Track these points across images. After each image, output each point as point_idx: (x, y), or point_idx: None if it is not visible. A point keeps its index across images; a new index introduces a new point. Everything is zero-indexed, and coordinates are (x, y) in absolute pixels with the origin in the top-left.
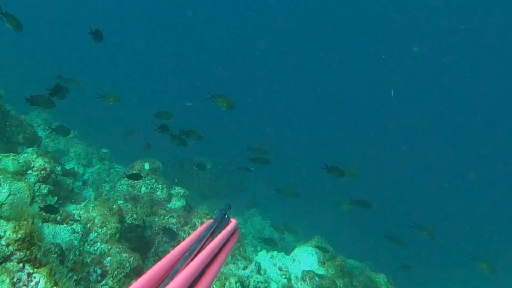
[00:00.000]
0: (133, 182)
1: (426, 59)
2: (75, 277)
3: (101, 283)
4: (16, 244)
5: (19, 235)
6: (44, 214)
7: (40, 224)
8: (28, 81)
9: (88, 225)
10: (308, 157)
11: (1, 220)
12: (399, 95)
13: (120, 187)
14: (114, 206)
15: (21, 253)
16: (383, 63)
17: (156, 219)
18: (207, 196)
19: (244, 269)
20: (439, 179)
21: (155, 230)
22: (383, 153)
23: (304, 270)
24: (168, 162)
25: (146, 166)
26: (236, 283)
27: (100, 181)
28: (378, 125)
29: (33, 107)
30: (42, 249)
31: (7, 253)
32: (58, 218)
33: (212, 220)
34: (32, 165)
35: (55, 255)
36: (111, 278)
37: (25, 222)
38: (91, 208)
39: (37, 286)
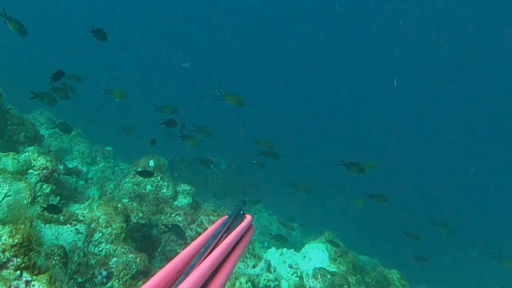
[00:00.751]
0: (138, 180)
1: (445, 51)
2: (79, 280)
3: (107, 286)
4: (12, 250)
5: (16, 240)
6: (46, 214)
7: (42, 225)
8: (30, 80)
9: (93, 225)
10: (316, 154)
11: None
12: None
13: (125, 185)
14: (119, 205)
15: (19, 260)
16: (396, 56)
17: (162, 218)
18: (221, 196)
19: (253, 267)
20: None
21: (161, 228)
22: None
23: (315, 267)
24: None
25: (151, 163)
26: (246, 283)
27: (105, 179)
28: (386, 119)
29: (35, 106)
30: (42, 254)
31: (3, 260)
32: (61, 218)
33: (227, 216)
34: (33, 164)
35: (58, 258)
36: (117, 280)
37: (22, 226)
38: (95, 207)
39: None
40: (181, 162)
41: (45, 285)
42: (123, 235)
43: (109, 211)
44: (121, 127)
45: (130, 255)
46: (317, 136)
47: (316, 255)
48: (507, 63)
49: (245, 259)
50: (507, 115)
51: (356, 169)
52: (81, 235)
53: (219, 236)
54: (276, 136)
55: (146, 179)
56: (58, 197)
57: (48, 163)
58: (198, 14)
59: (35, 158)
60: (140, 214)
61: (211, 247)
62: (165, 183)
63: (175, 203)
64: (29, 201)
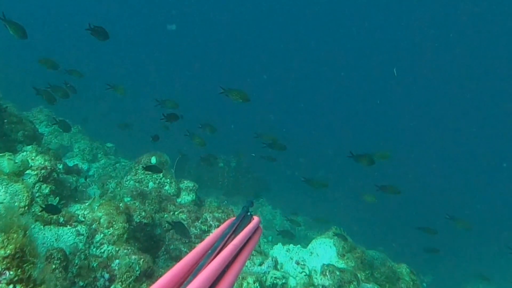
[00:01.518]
0: (140, 177)
1: (465, 39)
2: (81, 283)
3: None
4: (4, 262)
5: (8, 251)
6: (46, 215)
7: (41, 226)
8: (29, 77)
9: (94, 226)
10: (324, 148)
11: None
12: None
13: (127, 182)
14: (120, 204)
15: (11, 273)
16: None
17: (165, 215)
18: (232, 194)
19: (260, 264)
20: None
21: (165, 227)
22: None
23: (323, 264)
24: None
25: (153, 160)
26: (254, 283)
27: (106, 176)
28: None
29: (35, 104)
30: (38, 266)
31: None
32: (61, 219)
33: (234, 218)
34: (30, 164)
35: (58, 262)
36: (120, 283)
37: (15, 235)
38: (96, 207)
39: None
40: (191, 160)
41: None
42: (125, 236)
43: (111, 211)
44: (121, 123)
45: (133, 257)
46: (324, 130)
47: (323, 251)
48: None
49: (252, 257)
50: None
51: (365, 161)
52: (82, 236)
53: (227, 237)
54: (283, 131)
55: (148, 176)
56: (58, 197)
57: (46, 163)
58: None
59: (33, 157)
60: (143, 213)
61: (219, 248)
62: (168, 180)
63: (178, 200)
64: (27, 203)
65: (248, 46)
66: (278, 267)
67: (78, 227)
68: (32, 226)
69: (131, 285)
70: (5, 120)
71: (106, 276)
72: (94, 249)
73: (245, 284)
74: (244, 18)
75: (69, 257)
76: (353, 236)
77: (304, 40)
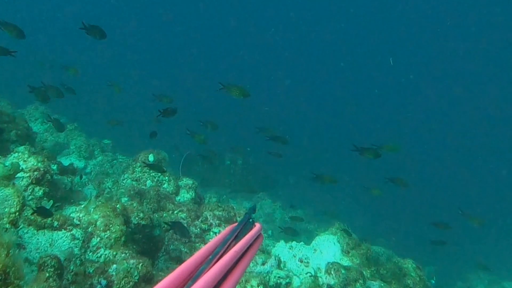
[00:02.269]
0: (137, 176)
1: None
2: None
3: None
4: None
5: None
6: (39, 220)
7: (35, 231)
8: (23, 74)
9: (90, 229)
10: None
11: None
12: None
13: (124, 181)
14: (118, 206)
15: None
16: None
17: (164, 215)
18: (238, 191)
19: (263, 264)
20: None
21: (164, 227)
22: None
23: (328, 262)
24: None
25: (151, 157)
26: (258, 286)
27: (103, 174)
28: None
29: (30, 101)
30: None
31: None
32: (56, 223)
33: (236, 224)
34: (21, 167)
35: (52, 269)
36: None
37: None
38: (92, 209)
39: None
40: (197, 158)
41: None
42: (123, 239)
43: (107, 213)
44: (111, 120)
45: (132, 261)
46: (329, 124)
47: (327, 247)
48: None
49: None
50: None
51: (371, 154)
52: (78, 241)
53: (228, 243)
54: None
55: (145, 174)
56: (52, 200)
57: (39, 164)
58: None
59: (25, 159)
60: (141, 215)
61: (220, 254)
62: (166, 177)
63: (177, 198)
64: (17, 209)
65: (247, 38)
66: (282, 265)
67: (73, 231)
68: (25, 231)
69: None
70: None
71: (103, 282)
72: (90, 254)
73: (248, 287)
74: (242, 11)
75: (63, 263)
76: (355, 228)
77: (305, 30)
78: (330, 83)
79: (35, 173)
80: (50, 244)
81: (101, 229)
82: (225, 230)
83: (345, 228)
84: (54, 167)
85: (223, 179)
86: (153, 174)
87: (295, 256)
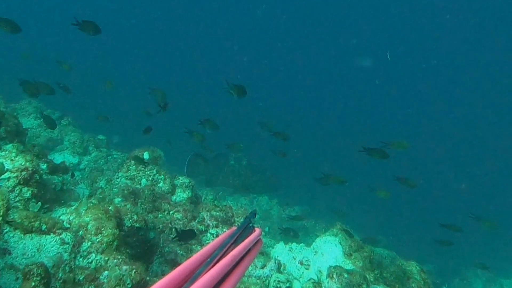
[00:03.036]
0: (132, 174)
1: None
2: None
3: None
4: None
5: None
6: (26, 223)
7: (22, 235)
8: (15, 68)
9: (81, 232)
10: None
11: None
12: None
13: (118, 180)
14: (110, 207)
15: None
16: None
17: (160, 215)
18: (242, 191)
19: (262, 267)
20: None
21: (159, 228)
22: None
23: (330, 266)
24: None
25: (146, 155)
26: None
27: (98, 171)
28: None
29: (23, 96)
30: None
31: None
32: (44, 227)
33: (235, 228)
34: (5, 168)
35: (38, 278)
36: None
37: None
38: (83, 211)
39: None
40: (201, 159)
41: None
42: (115, 243)
43: (99, 215)
44: (100, 116)
45: (124, 267)
46: (331, 124)
47: (328, 249)
48: None
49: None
50: None
51: (379, 155)
52: (67, 245)
53: (227, 247)
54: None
55: (140, 172)
56: (40, 202)
57: (28, 164)
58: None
59: (13, 158)
60: (135, 217)
61: (218, 257)
62: (162, 176)
63: (173, 198)
64: (1, 213)
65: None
66: (281, 269)
67: (63, 235)
68: (11, 235)
69: None
70: None
71: None
72: (81, 259)
73: None
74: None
75: (52, 270)
76: (356, 227)
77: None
78: (333, 81)
79: (23, 173)
80: (38, 249)
81: (93, 232)
82: (224, 234)
83: (347, 229)
84: (44, 166)
85: (227, 179)
86: (148, 172)
87: (295, 258)
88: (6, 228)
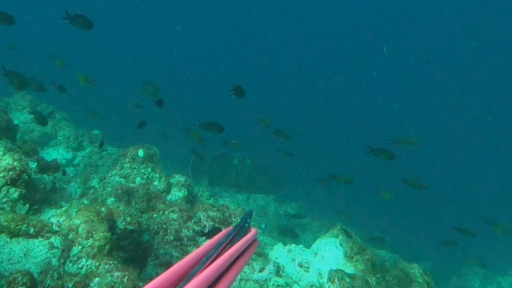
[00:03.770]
0: (126, 172)
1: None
2: None
3: None
4: None
5: None
6: (13, 226)
7: (8, 239)
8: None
9: (71, 236)
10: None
11: None
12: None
13: (111, 178)
14: (102, 209)
15: None
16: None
17: (154, 215)
18: (246, 190)
19: (260, 270)
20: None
21: (153, 229)
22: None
23: (331, 270)
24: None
25: (140, 153)
26: None
27: (92, 166)
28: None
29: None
30: None
31: None
32: (31, 230)
33: (231, 228)
34: None
35: (23, 287)
36: None
37: None
38: (74, 213)
39: None
40: (204, 158)
41: None
42: (107, 247)
43: (91, 217)
44: (89, 111)
45: (116, 273)
46: (335, 124)
47: (329, 251)
48: None
49: (251, 261)
50: None
51: (385, 156)
52: (56, 250)
53: (222, 246)
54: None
55: (135, 171)
56: (28, 204)
57: (15, 163)
58: None
59: (0, 156)
60: (128, 219)
61: (213, 256)
62: (157, 174)
63: (169, 197)
64: None
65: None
66: (281, 272)
67: (52, 239)
68: None
69: None
70: None
71: None
72: (71, 265)
73: None
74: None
75: (39, 277)
76: (356, 225)
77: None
78: (336, 80)
79: (10, 173)
80: (24, 254)
81: (83, 236)
82: (220, 233)
83: (347, 230)
84: (34, 165)
85: (231, 178)
86: (143, 170)
87: (294, 260)
88: None
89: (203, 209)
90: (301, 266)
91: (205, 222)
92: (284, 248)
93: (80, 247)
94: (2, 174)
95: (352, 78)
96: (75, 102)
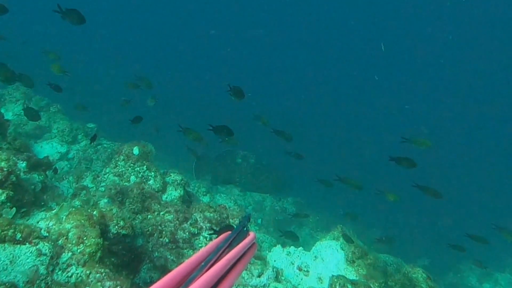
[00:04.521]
0: (120, 170)
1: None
2: None
3: None
4: None
5: None
6: None
7: None
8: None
9: (60, 241)
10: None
11: None
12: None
13: (105, 176)
14: (95, 212)
15: None
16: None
17: (149, 216)
18: (249, 190)
19: (259, 275)
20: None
21: (148, 231)
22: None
23: (333, 276)
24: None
25: (135, 150)
26: None
27: (86, 161)
28: None
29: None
30: None
31: None
32: (18, 236)
33: (230, 232)
34: None
35: None
36: None
37: None
38: (64, 217)
39: None
40: (209, 158)
41: None
42: (99, 254)
43: (82, 221)
44: (78, 104)
45: (108, 283)
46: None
47: (329, 255)
48: None
49: (249, 265)
50: None
51: (407, 164)
52: (45, 257)
53: (221, 251)
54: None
55: (129, 169)
56: (15, 208)
57: (3, 163)
58: None
59: None
60: (121, 223)
61: (212, 261)
62: (152, 173)
63: (164, 196)
64: None
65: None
66: (280, 277)
67: (40, 245)
68: None
69: None
70: None
71: None
72: (60, 273)
73: None
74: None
75: (25, 287)
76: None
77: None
78: (339, 80)
79: None
80: (10, 262)
81: (74, 242)
82: (219, 238)
83: (347, 234)
84: (23, 164)
85: (234, 177)
86: (138, 169)
87: (293, 264)
88: None
89: (200, 209)
90: (300, 269)
91: (201, 224)
92: (283, 250)
93: (70, 253)
94: None
95: (357, 77)
96: (71, 95)
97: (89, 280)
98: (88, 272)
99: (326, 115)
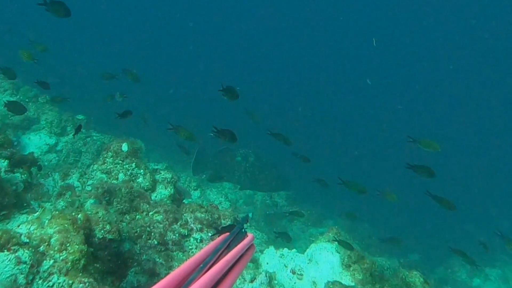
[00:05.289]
0: (108, 167)
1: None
2: None
3: None
4: None
5: None
6: None
7: None
8: None
9: (42, 248)
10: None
11: None
12: None
13: (93, 173)
14: (79, 216)
15: None
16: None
17: (138, 216)
18: (248, 188)
19: (251, 281)
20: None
21: (136, 232)
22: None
23: (328, 282)
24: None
25: (124, 147)
26: None
27: (75, 153)
28: None
29: None
30: None
31: None
32: None
33: (228, 234)
34: None
35: None
36: None
37: None
38: (46, 221)
39: None
40: (207, 155)
41: None
42: (82, 262)
43: (66, 226)
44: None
45: None
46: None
47: (324, 258)
48: None
49: None
50: None
51: (426, 173)
52: (24, 265)
53: (219, 252)
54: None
55: (118, 166)
56: None
57: None
58: None
59: None
60: (108, 227)
61: (211, 263)
62: (141, 170)
63: (154, 195)
64: None
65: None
66: (273, 282)
67: (19, 252)
68: None
69: None
70: None
71: None
72: (40, 282)
73: None
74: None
75: None
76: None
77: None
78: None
79: None
80: None
81: (56, 248)
82: (217, 239)
83: (341, 240)
84: (4, 163)
85: (233, 176)
86: (127, 166)
87: (286, 266)
88: None
89: (191, 210)
90: (294, 272)
91: (192, 225)
92: (276, 252)
93: (51, 261)
94: None
95: (357, 77)
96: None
97: None
98: (70, 282)
99: (325, 114)
